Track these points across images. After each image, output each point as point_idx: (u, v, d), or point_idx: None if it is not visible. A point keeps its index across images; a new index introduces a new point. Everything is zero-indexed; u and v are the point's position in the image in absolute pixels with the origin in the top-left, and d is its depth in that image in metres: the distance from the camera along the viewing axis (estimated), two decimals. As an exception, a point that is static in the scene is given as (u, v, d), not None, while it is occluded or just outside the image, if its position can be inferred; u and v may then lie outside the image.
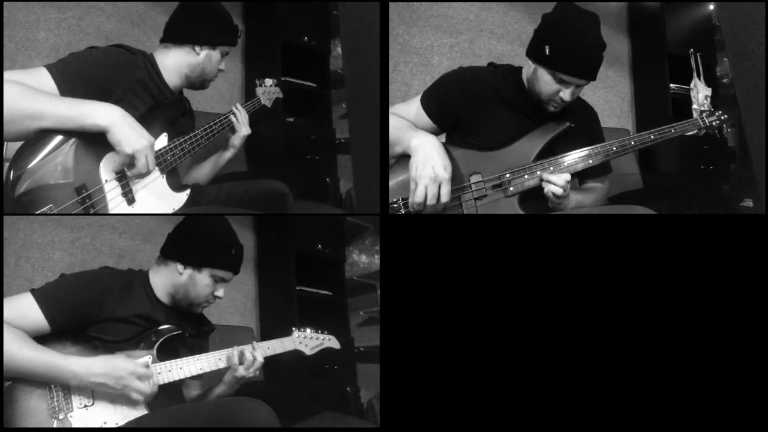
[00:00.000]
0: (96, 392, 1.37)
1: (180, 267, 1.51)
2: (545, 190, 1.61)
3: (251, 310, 2.91)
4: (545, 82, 1.63)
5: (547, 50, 1.59)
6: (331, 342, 1.76)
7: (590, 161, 1.66)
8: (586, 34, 1.59)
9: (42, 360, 1.32)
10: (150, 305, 1.51)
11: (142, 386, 1.37)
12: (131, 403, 1.37)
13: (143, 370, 1.38)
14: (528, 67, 1.70)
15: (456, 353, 1.54)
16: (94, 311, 1.41)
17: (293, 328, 1.69)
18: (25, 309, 1.36)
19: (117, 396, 1.36)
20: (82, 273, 1.50)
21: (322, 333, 1.74)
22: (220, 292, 1.55)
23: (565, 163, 1.65)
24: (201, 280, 1.52)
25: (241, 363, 1.53)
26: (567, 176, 1.60)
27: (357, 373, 2.99)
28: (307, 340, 1.70)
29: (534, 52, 1.65)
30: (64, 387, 1.36)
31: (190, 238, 1.54)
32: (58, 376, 1.33)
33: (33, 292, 1.39)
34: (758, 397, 1.50)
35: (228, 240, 1.58)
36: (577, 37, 1.58)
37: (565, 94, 1.62)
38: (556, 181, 1.59)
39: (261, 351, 1.56)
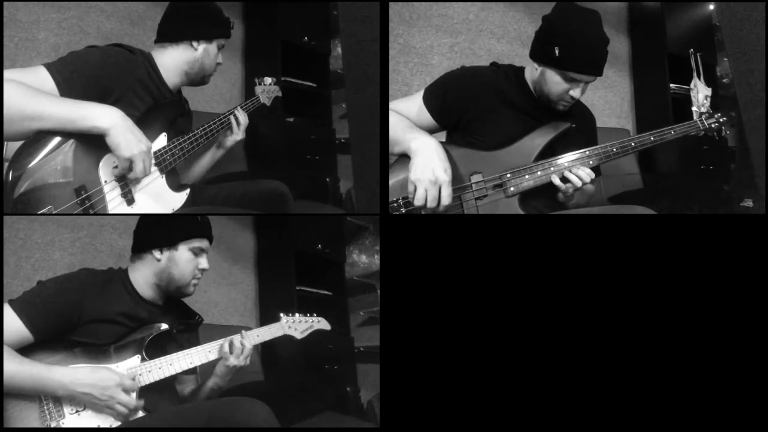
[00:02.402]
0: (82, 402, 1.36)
1: (156, 253, 1.50)
2: (567, 182, 1.62)
3: (251, 310, 2.91)
4: (555, 82, 1.65)
5: (556, 51, 1.60)
6: (321, 324, 1.73)
7: (591, 162, 1.66)
8: (591, 31, 1.61)
9: (27, 373, 1.30)
10: (132, 303, 1.49)
11: (127, 399, 1.35)
12: (115, 415, 1.36)
13: (129, 382, 1.37)
14: (533, 70, 1.71)
15: (456, 353, 1.54)
16: (75, 314, 1.39)
17: (281, 314, 1.67)
18: (5, 321, 1.33)
19: (102, 407, 1.35)
20: (58, 277, 1.47)
21: (311, 315, 1.72)
22: (203, 264, 1.53)
23: (566, 164, 1.66)
24: (181, 257, 1.50)
25: (231, 353, 1.52)
26: (592, 173, 1.63)
27: (357, 373, 2.99)
28: (296, 324, 1.68)
29: (540, 54, 1.66)
30: (55, 396, 1.34)
31: (155, 224, 1.53)
32: (44, 387, 1.32)
33: (11, 302, 1.36)
34: (758, 397, 1.50)
35: (190, 212, 1.58)
36: (584, 35, 1.60)
37: (576, 92, 1.64)
38: (584, 178, 1.61)
39: (249, 339, 1.55)
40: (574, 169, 1.63)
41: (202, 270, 1.54)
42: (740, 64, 1.85)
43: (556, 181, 1.63)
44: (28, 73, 1.42)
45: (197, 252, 1.52)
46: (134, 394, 1.38)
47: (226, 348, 1.52)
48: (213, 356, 1.52)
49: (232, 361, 1.51)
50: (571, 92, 1.64)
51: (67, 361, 1.37)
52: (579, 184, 1.61)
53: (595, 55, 1.61)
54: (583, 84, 1.64)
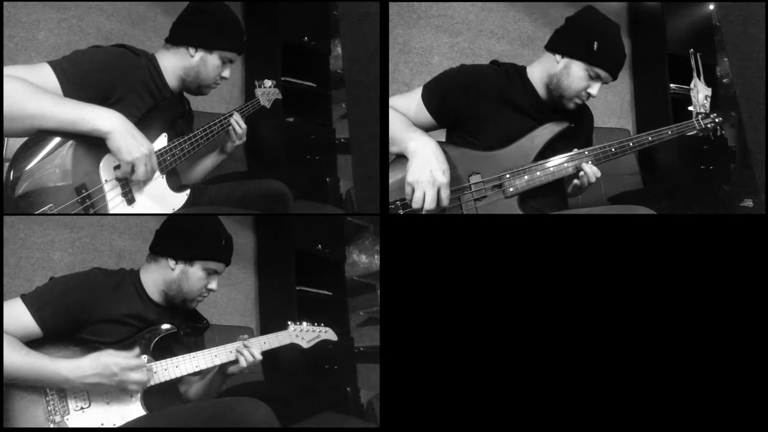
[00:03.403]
0: (91, 393, 1.37)
1: (171, 262, 1.51)
2: (578, 178, 1.67)
3: (251, 310, 2.91)
4: (578, 77, 1.66)
5: (595, 45, 1.63)
6: (328, 334, 1.75)
7: (589, 162, 1.66)
8: (619, 37, 1.68)
9: (32, 365, 1.31)
10: (141, 304, 1.50)
11: (136, 377, 1.37)
12: (128, 395, 1.37)
13: (135, 361, 1.38)
14: (552, 63, 1.70)
15: (456, 353, 1.54)
16: (85, 313, 1.41)
17: (289, 322, 1.69)
18: (16, 315, 1.35)
19: (113, 393, 1.36)
20: (71, 275, 1.49)
21: (319, 326, 1.73)
22: (213, 285, 1.55)
23: (565, 164, 1.66)
24: (194, 274, 1.51)
25: (245, 365, 1.54)
26: (598, 172, 1.67)
27: (357, 373, 2.99)
28: (303, 333, 1.69)
29: (572, 47, 1.67)
30: (60, 390, 1.35)
31: (180, 233, 1.54)
32: (49, 380, 1.33)
33: (23, 297, 1.38)
34: (758, 397, 1.50)
35: (217, 231, 1.57)
36: (615, 37, 1.67)
37: (594, 90, 1.67)
38: (591, 178, 1.66)
39: (258, 348, 1.56)
40: (584, 165, 1.66)
41: (210, 290, 1.55)
42: (740, 64, 1.85)
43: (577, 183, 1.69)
44: (32, 70, 1.42)
45: (210, 272, 1.54)
46: (144, 370, 1.39)
47: (243, 363, 1.53)
48: (219, 360, 1.53)
49: (245, 371, 1.54)
50: (590, 90, 1.67)
51: (73, 359, 1.37)
52: (592, 179, 1.66)
53: (621, 58, 1.67)
54: (601, 82, 1.67)
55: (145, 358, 1.43)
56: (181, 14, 1.74)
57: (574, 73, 1.66)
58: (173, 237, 1.54)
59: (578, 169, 1.66)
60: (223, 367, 1.56)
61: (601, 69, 1.64)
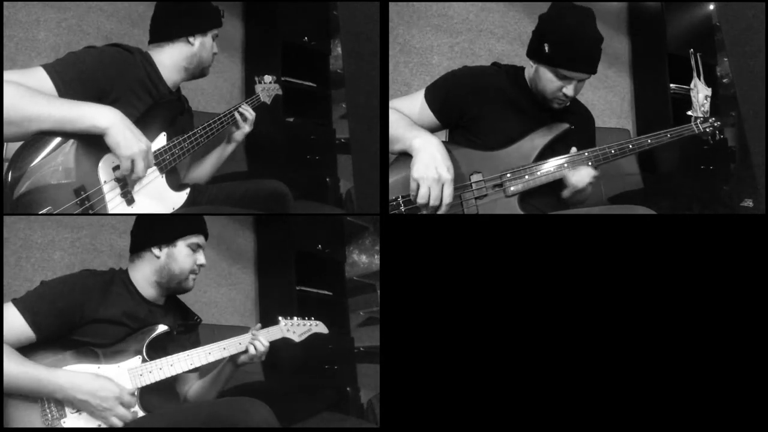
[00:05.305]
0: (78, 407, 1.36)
1: (156, 251, 1.52)
2: (573, 180, 1.64)
3: (251, 310, 2.91)
4: (548, 80, 1.66)
5: (546, 48, 1.62)
6: (319, 327, 1.75)
7: (589, 164, 1.67)
8: (583, 29, 1.62)
9: (28, 375, 1.31)
10: (132, 302, 1.50)
11: (123, 412, 1.36)
12: (108, 425, 1.35)
13: (128, 397, 1.37)
14: (530, 68, 1.73)
15: (456, 353, 1.54)
16: (77, 314, 1.40)
17: (279, 317, 1.69)
18: (9, 320, 1.34)
19: (98, 415, 1.35)
20: (61, 278, 1.49)
21: (309, 319, 1.74)
22: (201, 260, 1.57)
23: (565, 164, 1.66)
24: (179, 253, 1.53)
25: (256, 352, 1.57)
26: (593, 172, 1.65)
27: (357, 373, 2.99)
28: (294, 327, 1.70)
29: (534, 52, 1.68)
30: None
31: (151, 223, 1.56)
32: (44, 389, 1.32)
33: (15, 302, 1.37)
34: (758, 397, 1.50)
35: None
36: (574, 33, 1.62)
37: (569, 90, 1.65)
38: (585, 179, 1.64)
39: (265, 336, 1.59)
40: (576, 171, 1.64)
41: (200, 266, 1.57)
42: (740, 64, 1.85)
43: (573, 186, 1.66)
44: (26, 74, 1.41)
45: (194, 248, 1.56)
46: (132, 409, 1.38)
47: (253, 351, 1.55)
48: (213, 357, 1.53)
49: (255, 359, 1.57)
50: (564, 90, 1.65)
51: (68, 361, 1.37)
52: (580, 186, 1.64)
53: (587, 53, 1.62)
54: (575, 82, 1.65)
55: (141, 363, 1.43)
56: (158, 12, 1.76)
57: (544, 77, 1.67)
58: (148, 228, 1.56)
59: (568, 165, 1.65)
60: (233, 357, 1.57)
61: (563, 69, 1.62)
